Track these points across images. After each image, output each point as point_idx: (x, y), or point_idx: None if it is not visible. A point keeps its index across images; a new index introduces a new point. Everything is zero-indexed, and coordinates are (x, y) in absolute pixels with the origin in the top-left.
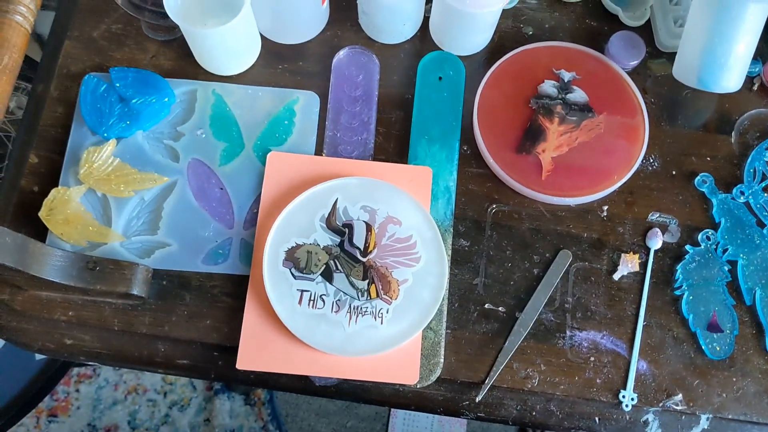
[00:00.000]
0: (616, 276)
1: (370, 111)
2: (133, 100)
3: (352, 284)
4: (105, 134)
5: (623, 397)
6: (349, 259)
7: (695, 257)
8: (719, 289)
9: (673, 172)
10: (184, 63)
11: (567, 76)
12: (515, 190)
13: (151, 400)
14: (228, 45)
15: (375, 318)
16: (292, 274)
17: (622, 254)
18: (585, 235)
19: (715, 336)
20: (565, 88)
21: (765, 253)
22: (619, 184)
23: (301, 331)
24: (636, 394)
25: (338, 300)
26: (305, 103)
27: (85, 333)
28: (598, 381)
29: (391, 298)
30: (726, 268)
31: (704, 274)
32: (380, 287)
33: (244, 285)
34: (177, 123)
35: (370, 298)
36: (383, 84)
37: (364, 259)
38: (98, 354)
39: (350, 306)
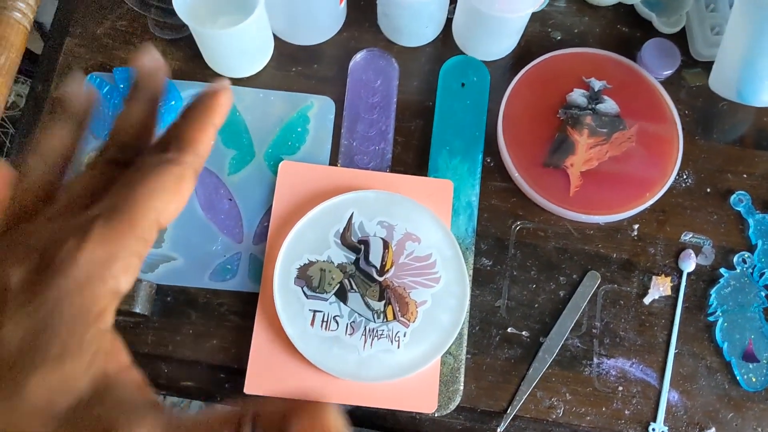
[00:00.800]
0: (647, 300)
1: (388, 119)
2: None
3: (367, 305)
4: None
5: (653, 430)
6: (364, 278)
7: (730, 281)
8: (756, 315)
9: (708, 190)
10: (192, 64)
11: (597, 84)
12: (541, 207)
13: None
14: (239, 46)
15: (391, 342)
16: (305, 293)
17: (654, 277)
18: (614, 255)
19: (750, 366)
20: (595, 97)
21: None
22: (651, 201)
23: (312, 354)
24: (667, 427)
25: (353, 322)
26: (320, 109)
27: None
28: (626, 412)
29: (408, 320)
30: (763, 294)
31: (740, 299)
32: (397, 309)
33: (253, 303)
34: None
35: (387, 321)
36: (402, 90)
37: (381, 279)
38: None
39: (365, 328)
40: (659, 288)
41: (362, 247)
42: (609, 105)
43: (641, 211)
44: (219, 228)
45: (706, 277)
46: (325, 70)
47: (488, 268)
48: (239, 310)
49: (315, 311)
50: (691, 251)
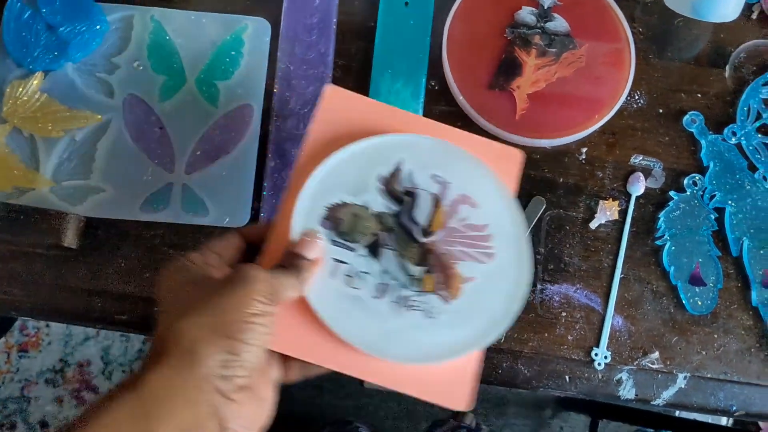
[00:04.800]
0: (593, 224)
1: (327, 41)
2: (62, 28)
3: (403, 267)
4: (30, 66)
5: (596, 355)
6: (405, 235)
7: (680, 204)
8: (704, 239)
9: (660, 111)
10: None
11: (547, 1)
12: (486, 131)
13: (124, 335)
14: None
15: (426, 317)
16: (329, 238)
17: (601, 201)
18: (561, 180)
19: (697, 290)
20: (544, 15)
21: (755, 200)
22: (601, 123)
23: (327, 311)
24: (610, 352)
25: (382, 283)
26: (255, 31)
27: (14, 286)
28: (569, 338)
29: (450, 296)
30: (713, 217)
31: (689, 222)
32: (439, 280)
33: (187, 236)
34: (111, 54)
35: (424, 291)
36: (343, 10)
37: (425, 240)
38: (30, 309)
39: (397, 294)
40: (606, 212)
41: (408, 199)
42: (559, 23)
43: (590, 134)
44: (150, 157)
45: (655, 201)
46: None
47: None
48: (174, 243)
49: (339, 261)
50: (640, 174)
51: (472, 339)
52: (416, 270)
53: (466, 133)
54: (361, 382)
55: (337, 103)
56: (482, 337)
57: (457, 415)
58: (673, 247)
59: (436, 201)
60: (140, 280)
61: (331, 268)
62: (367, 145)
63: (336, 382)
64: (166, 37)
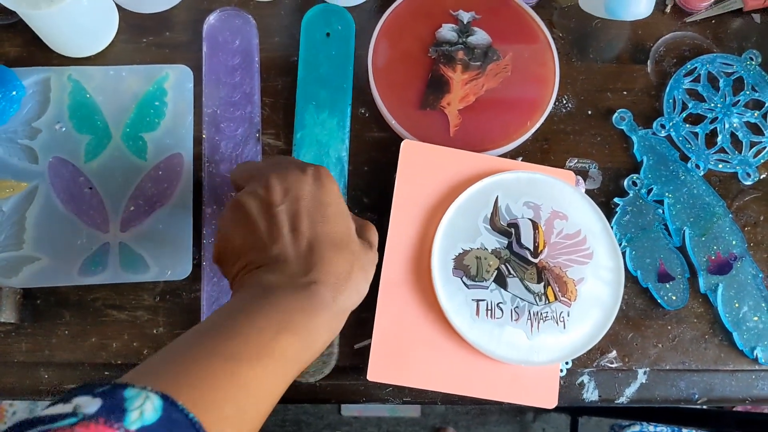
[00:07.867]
0: None
1: (252, 80)
2: None
3: (527, 288)
4: None
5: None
6: (520, 261)
7: (626, 208)
8: (659, 234)
9: (589, 112)
10: (32, 48)
11: (466, 16)
12: None
13: None
14: (77, 22)
15: (557, 323)
16: (464, 284)
17: None
18: None
19: (668, 285)
20: (465, 30)
21: (691, 189)
22: (533, 130)
23: (484, 343)
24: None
25: (516, 307)
26: (177, 79)
27: None
28: None
29: (569, 299)
30: (660, 210)
31: (640, 222)
32: (557, 289)
33: (129, 294)
34: (31, 118)
35: (549, 302)
36: (264, 48)
37: (536, 260)
38: None
39: (530, 312)
40: None
41: (512, 230)
42: (480, 36)
43: (524, 143)
44: (82, 219)
45: (596, 201)
46: (179, 37)
47: (374, 220)
48: (116, 304)
49: (478, 300)
50: (579, 178)
51: (596, 329)
52: (537, 287)
53: (525, 163)
54: (338, 410)
55: (414, 157)
56: (603, 325)
57: None
58: (634, 252)
59: (534, 224)
60: (86, 345)
61: (473, 308)
62: (467, 196)
63: (314, 415)
64: (86, 96)
